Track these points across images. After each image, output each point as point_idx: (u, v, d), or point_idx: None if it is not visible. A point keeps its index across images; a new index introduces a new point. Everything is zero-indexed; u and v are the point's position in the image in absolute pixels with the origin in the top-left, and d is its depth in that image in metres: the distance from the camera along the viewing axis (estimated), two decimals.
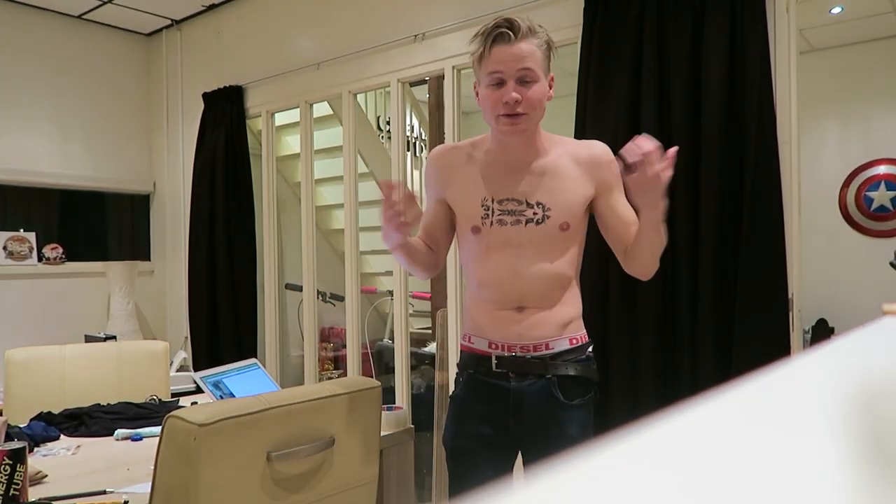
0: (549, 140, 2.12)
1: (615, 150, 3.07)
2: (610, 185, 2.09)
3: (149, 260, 5.89)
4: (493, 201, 2.08)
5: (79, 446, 2.39)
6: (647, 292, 3.00)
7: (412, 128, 6.24)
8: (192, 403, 2.80)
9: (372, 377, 3.19)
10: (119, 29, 5.71)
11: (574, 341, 2.09)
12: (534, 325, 2.05)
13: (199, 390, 2.94)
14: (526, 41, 1.96)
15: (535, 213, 2.05)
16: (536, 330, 2.05)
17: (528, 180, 2.07)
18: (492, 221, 2.07)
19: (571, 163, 2.08)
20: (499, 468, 2.13)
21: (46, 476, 2.01)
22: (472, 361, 2.13)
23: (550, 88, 2.05)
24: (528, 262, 2.05)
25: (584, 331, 2.14)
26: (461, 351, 2.20)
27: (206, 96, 5.23)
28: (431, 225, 2.22)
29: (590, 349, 2.13)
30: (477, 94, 2.09)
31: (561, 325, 2.07)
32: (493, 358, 2.08)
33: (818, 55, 5.68)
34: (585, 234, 2.15)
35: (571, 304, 2.11)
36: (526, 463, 2.17)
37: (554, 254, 2.06)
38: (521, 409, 2.06)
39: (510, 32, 1.95)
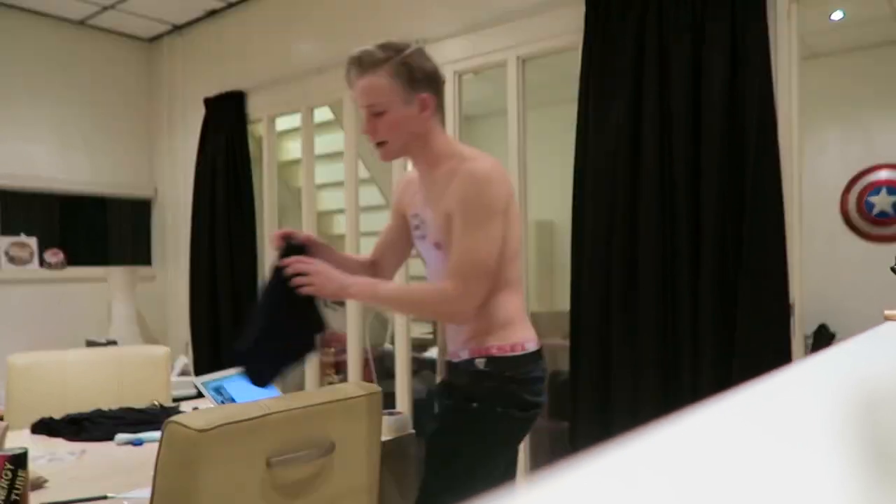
0: (449, 154, 2.05)
1: (615, 152, 3.09)
2: (457, 210, 1.96)
3: (150, 265, 5.89)
4: (411, 216, 2.19)
5: (84, 451, 2.38)
6: (648, 298, 3.00)
7: None
8: (194, 408, 2.80)
9: (373, 382, 3.19)
10: (120, 34, 5.72)
11: (473, 353, 2.04)
12: (449, 338, 2.14)
13: (200, 395, 2.94)
14: (369, 75, 1.98)
15: (417, 228, 2.13)
16: (454, 339, 2.11)
17: (421, 194, 2.12)
18: (415, 236, 2.19)
19: (449, 179, 2.00)
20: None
21: (47, 481, 2.00)
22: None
23: (424, 109, 2.02)
24: (427, 275, 2.16)
25: (490, 344, 2.03)
26: None
27: (207, 101, 5.23)
28: (381, 241, 2.35)
29: (480, 362, 2.02)
30: None
31: (464, 339, 2.06)
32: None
33: (819, 61, 5.67)
34: None
35: (475, 320, 2.02)
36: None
37: (437, 274, 2.07)
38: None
39: (355, 67, 2.00)
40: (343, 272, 2.03)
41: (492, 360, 2.01)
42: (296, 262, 1.97)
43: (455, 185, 1.96)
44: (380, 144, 2.04)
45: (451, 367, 2.14)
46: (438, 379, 4.13)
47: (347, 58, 2.01)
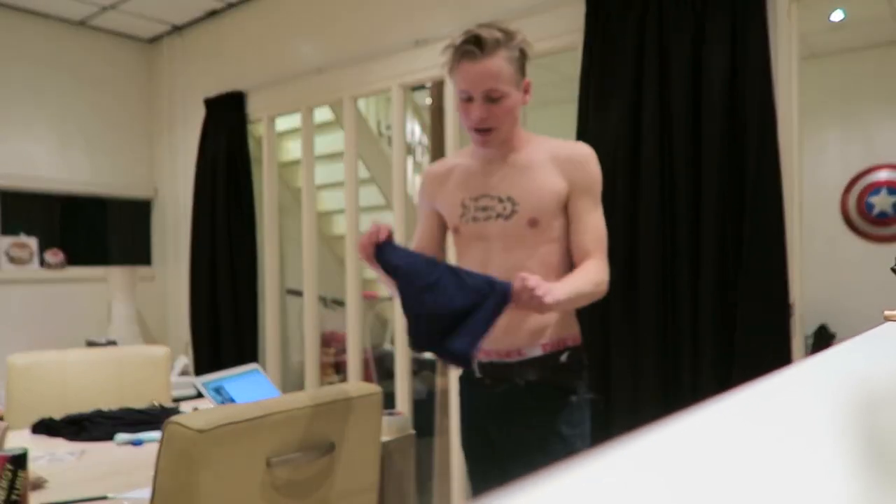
0: (528, 138, 2.11)
1: (615, 152, 3.09)
2: (581, 188, 2.03)
3: (150, 265, 5.90)
4: (470, 200, 2.10)
5: (83, 451, 2.38)
6: (649, 298, 3.00)
7: (413, 133, 6.26)
8: (194, 409, 2.80)
9: (373, 383, 3.18)
10: (120, 35, 5.72)
11: (546, 347, 2.03)
12: (505, 331, 1.98)
13: (200, 395, 2.94)
14: (493, 57, 1.94)
15: (504, 208, 2.03)
16: (508, 336, 2.01)
17: (500, 175, 2.07)
18: (468, 219, 2.09)
19: (547, 158, 2.04)
20: (486, 474, 2.18)
21: (47, 481, 2.00)
22: None
23: (526, 93, 2.07)
24: (495, 256, 2.03)
25: (565, 335, 2.06)
26: None
27: (207, 102, 5.24)
28: (422, 239, 2.26)
29: (563, 356, 2.04)
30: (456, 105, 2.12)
31: (532, 332, 2.02)
32: (476, 364, 2.08)
33: (819, 61, 5.68)
34: (563, 235, 2.06)
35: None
36: (505, 470, 2.11)
37: (523, 251, 2.02)
38: (496, 414, 2.10)
39: (476, 49, 1.93)
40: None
41: (572, 351, 2.07)
42: (525, 278, 1.74)
43: (576, 166, 2.02)
44: (486, 131, 2.00)
45: (507, 365, 2.04)
46: (439, 380, 4.14)
47: (459, 37, 1.96)
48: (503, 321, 1.85)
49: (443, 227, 2.25)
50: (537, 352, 2.03)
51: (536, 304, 1.74)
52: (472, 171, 2.13)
